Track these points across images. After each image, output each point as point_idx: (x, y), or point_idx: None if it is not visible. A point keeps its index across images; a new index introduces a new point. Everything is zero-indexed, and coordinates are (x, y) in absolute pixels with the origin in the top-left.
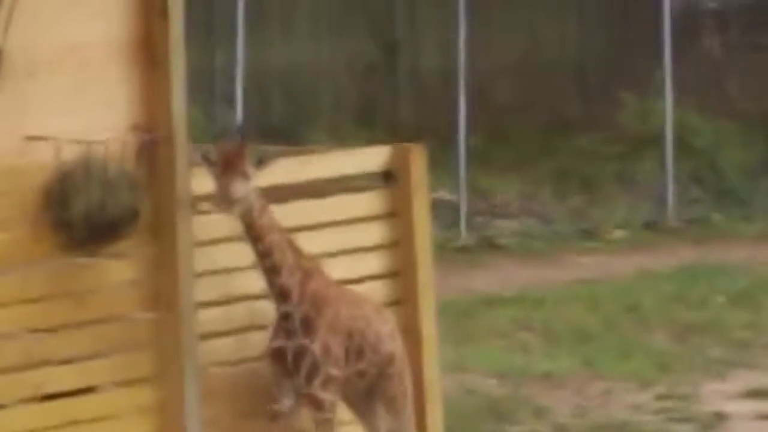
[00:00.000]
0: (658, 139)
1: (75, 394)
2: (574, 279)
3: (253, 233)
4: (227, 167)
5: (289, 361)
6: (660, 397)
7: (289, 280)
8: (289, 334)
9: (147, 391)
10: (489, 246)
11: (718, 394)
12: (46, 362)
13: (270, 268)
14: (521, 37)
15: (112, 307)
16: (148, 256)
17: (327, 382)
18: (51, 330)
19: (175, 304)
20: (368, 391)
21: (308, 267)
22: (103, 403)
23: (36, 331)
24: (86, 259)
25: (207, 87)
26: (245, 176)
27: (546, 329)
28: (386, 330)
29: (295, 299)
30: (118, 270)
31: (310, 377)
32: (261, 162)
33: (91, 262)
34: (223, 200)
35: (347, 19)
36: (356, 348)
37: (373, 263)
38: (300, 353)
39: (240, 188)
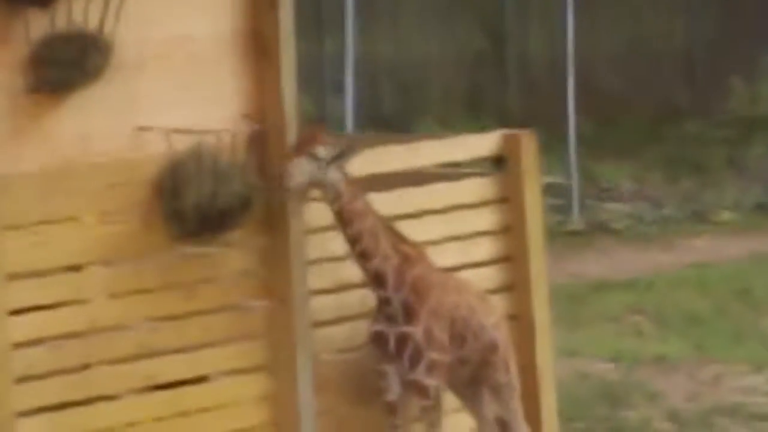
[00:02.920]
0: (766, 124)
1: (188, 383)
2: (686, 262)
3: (341, 219)
4: (296, 151)
5: (391, 346)
6: None
7: (383, 265)
8: (389, 319)
9: (260, 381)
10: (600, 230)
11: None
12: (160, 352)
13: (360, 254)
14: (628, 25)
15: (225, 297)
16: (260, 246)
17: (431, 367)
18: (164, 320)
19: (288, 293)
20: (473, 379)
21: (409, 253)
22: (216, 392)
23: (149, 321)
24: (199, 249)
25: (317, 77)
26: (313, 158)
27: (658, 313)
28: (490, 318)
29: (392, 284)
30: (230, 260)
31: (413, 363)
32: (341, 155)
33: (203, 253)
34: (281, 182)
35: (456, 8)
36: (458, 335)
37: (486, 249)
38: (402, 339)
39: (300, 170)
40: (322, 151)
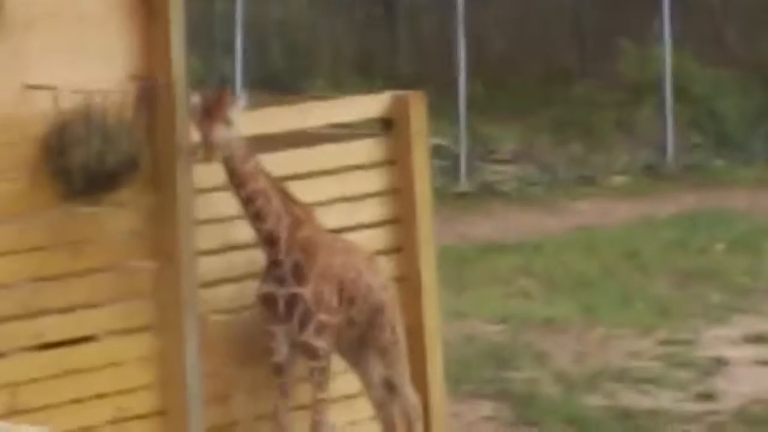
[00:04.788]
0: (656, 87)
1: (74, 343)
2: (574, 225)
3: (235, 180)
4: (208, 114)
5: (280, 308)
6: (660, 343)
7: (277, 226)
8: (279, 280)
9: (147, 340)
10: (488, 192)
11: (718, 339)
12: (45, 311)
13: (254, 215)
14: None
15: (112, 257)
16: (148, 205)
17: (320, 329)
18: (50, 279)
19: (175, 253)
20: (359, 341)
21: (299, 215)
22: (103, 352)
23: (35, 280)
24: (86, 208)
25: (206, 36)
26: (227, 122)
27: (546, 276)
28: (377, 280)
29: (284, 246)
30: (117, 219)
31: (303, 324)
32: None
33: (90, 212)
34: (204, 147)
35: None
36: (347, 296)
37: (373, 211)
38: (292, 300)
39: (221, 134)
40: (233, 114)
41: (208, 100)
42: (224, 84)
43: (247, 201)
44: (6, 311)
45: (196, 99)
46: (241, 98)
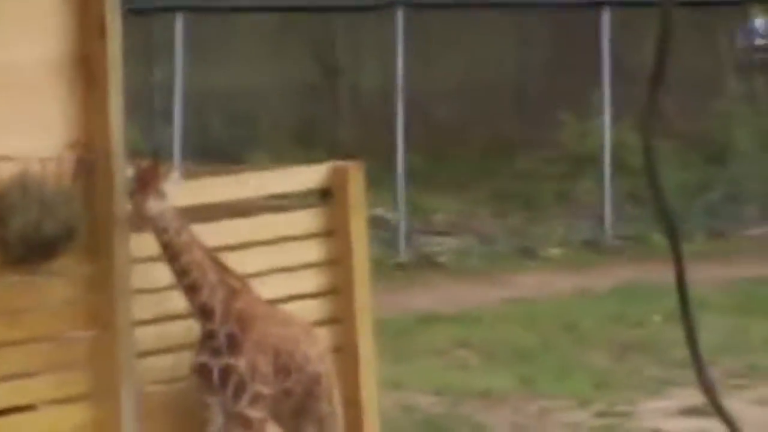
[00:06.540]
0: (596, 159)
1: (10, 412)
2: (513, 297)
3: (169, 252)
4: (140, 185)
5: (215, 379)
6: (597, 415)
7: (211, 298)
8: (214, 352)
9: (84, 410)
10: (427, 264)
11: (655, 411)
12: None
13: (189, 287)
14: (460, 58)
15: (49, 326)
16: (85, 275)
17: (255, 400)
18: None
19: (112, 322)
20: (296, 411)
21: (234, 285)
22: (40, 421)
23: None
24: (23, 277)
25: (145, 105)
26: (159, 194)
27: (484, 347)
28: (314, 350)
29: (219, 317)
30: (54, 288)
31: (237, 395)
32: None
33: (27, 281)
34: (135, 218)
35: (287, 39)
36: (283, 367)
37: (311, 281)
38: (226, 371)
39: (153, 206)
40: (167, 187)
41: (141, 171)
42: (158, 155)
43: (182, 273)
44: None
45: (129, 171)
46: (176, 170)
